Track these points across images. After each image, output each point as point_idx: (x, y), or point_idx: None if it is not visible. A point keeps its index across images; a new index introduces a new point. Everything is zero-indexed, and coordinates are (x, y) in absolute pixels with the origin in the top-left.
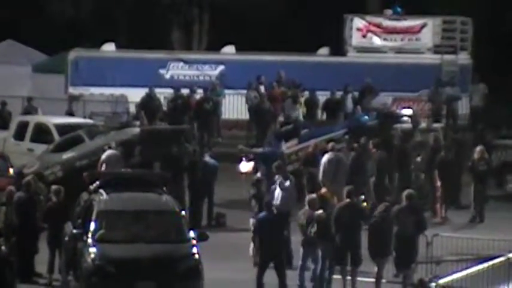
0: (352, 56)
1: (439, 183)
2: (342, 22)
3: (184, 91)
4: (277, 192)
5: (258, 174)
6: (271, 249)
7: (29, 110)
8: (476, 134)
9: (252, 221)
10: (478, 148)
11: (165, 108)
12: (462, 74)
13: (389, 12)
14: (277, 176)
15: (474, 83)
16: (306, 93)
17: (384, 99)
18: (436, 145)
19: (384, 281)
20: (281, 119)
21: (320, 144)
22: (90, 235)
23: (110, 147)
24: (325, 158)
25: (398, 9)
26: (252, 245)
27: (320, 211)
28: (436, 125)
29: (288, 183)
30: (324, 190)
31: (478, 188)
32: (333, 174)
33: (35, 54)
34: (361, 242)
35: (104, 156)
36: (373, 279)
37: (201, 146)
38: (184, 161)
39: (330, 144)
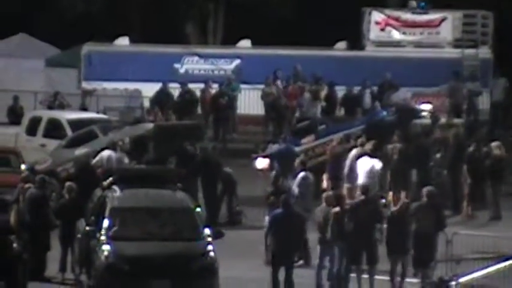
0: (370, 50)
1: (468, 180)
2: (360, 15)
3: (200, 86)
4: (296, 189)
5: (277, 172)
6: (285, 246)
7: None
8: (495, 130)
9: (267, 218)
10: (494, 144)
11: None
12: (483, 69)
13: (413, 3)
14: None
15: (495, 78)
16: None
17: (405, 94)
18: (456, 141)
19: (406, 280)
20: (297, 114)
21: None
22: (103, 232)
23: (105, 148)
24: (353, 153)
25: (423, 4)
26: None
27: (336, 208)
28: (456, 121)
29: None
30: (346, 186)
31: (493, 184)
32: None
33: (48, 48)
34: (376, 240)
35: (97, 158)
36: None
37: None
38: (198, 158)
39: (360, 140)
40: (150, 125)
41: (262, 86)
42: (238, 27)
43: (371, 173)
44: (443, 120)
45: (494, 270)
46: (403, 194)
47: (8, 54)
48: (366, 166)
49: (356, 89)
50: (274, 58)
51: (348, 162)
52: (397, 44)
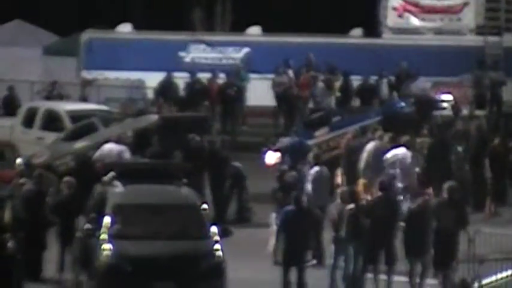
0: (387, 38)
1: (489, 175)
2: (377, 1)
3: (206, 75)
4: (309, 185)
5: (284, 166)
6: (297, 245)
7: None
8: None
9: (274, 215)
10: None
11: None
12: (507, 57)
13: None
14: (306, 167)
15: None
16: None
17: (424, 83)
18: (479, 134)
19: (430, 282)
20: (310, 105)
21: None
22: (104, 230)
23: (107, 141)
24: (370, 146)
25: None
26: (271, 241)
27: (351, 205)
28: (478, 112)
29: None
30: (362, 181)
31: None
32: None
33: (46, 35)
34: (396, 239)
35: (98, 152)
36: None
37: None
38: (205, 152)
39: (379, 133)
40: (154, 117)
41: (272, 76)
42: (248, 12)
43: (411, 166)
44: (465, 111)
45: None
46: (430, 190)
47: (3, 42)
48: (404, 159)
49: (372, 79)
50: (285, 46)
51: (364, 156)
52: (416, 31)
